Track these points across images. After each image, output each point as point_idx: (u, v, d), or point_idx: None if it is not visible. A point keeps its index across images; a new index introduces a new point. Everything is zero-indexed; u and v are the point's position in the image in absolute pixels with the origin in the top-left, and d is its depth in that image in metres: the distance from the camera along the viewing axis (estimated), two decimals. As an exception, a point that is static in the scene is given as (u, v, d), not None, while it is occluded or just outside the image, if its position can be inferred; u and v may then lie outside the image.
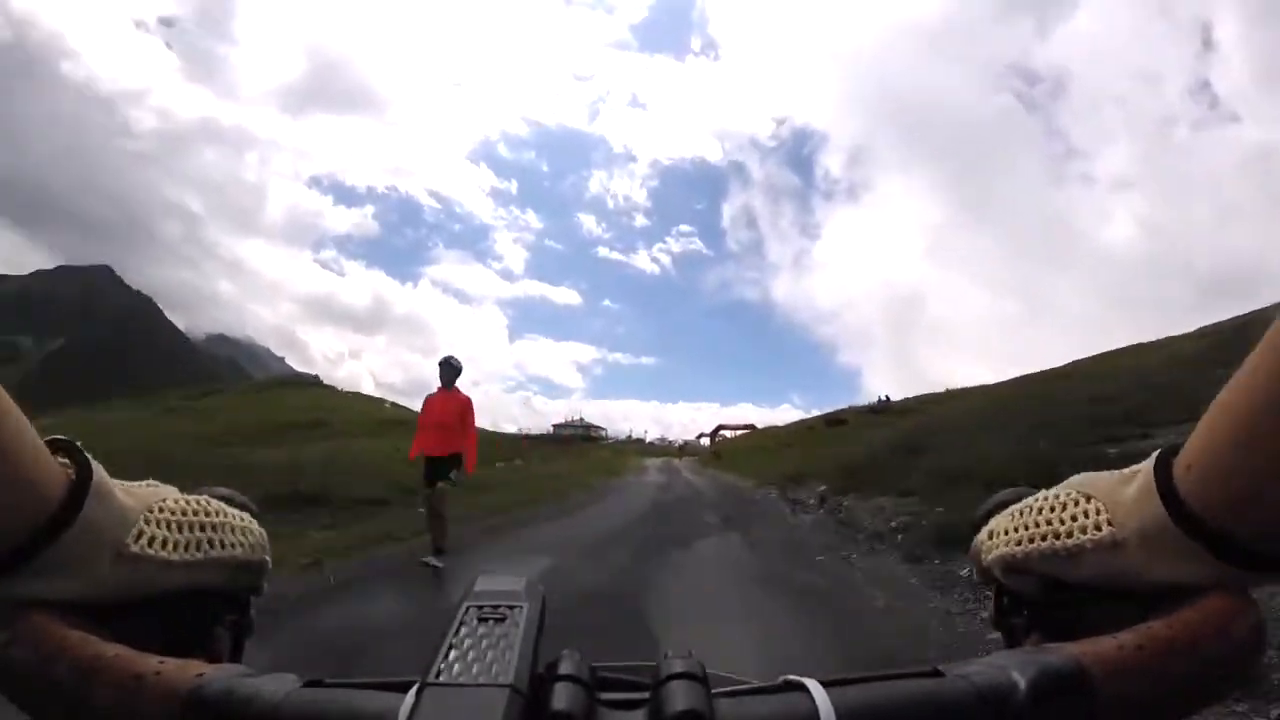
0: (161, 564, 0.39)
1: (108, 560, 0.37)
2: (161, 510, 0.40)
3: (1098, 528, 0.38)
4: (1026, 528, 0.42)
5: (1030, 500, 0.43)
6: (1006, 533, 0.44)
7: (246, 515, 0.46)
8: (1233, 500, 0.33)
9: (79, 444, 0.37)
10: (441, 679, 0.31)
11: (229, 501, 0.46)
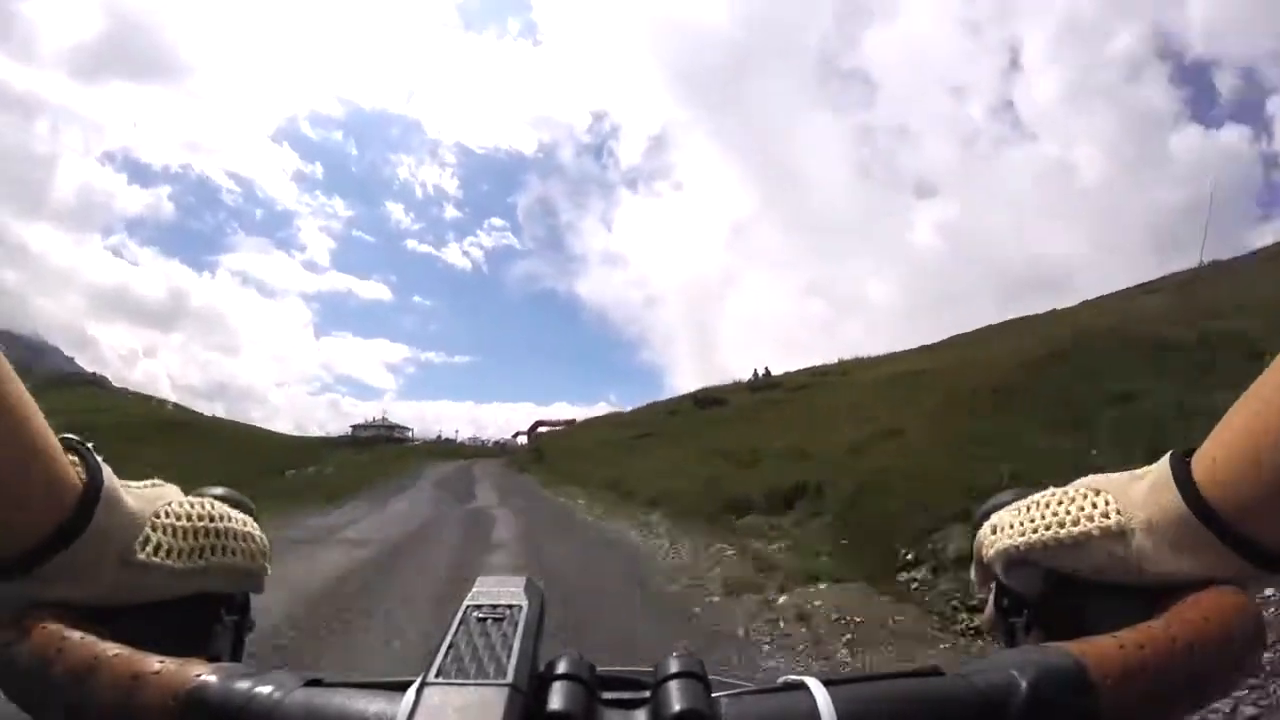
0: (165, 571, 0.39)
1: (113, 566, 0.37)
2: (167, 515, 0.40)
3: (1105, 516, 0.39)
4: (1032, 520, 0.42)
5: (1037, 496, 0.44)
6: (1011, 526, 0.43)
7: (248, 519, 0.46)
8: (1251, 495, 0.34)
9: (90, 445, 0.37)
10: (441, 678, 0.31)
11: (227, 502, 0.46)
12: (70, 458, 0.36)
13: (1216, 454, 0.36)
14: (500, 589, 0.37)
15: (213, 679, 0.34)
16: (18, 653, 0.35)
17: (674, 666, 0.33)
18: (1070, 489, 0.42)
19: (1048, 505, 0.42)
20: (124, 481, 0.39)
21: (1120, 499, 0.39)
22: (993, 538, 0.45)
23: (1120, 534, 0.38)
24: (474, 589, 0.38)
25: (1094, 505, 0.40)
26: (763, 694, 0.33)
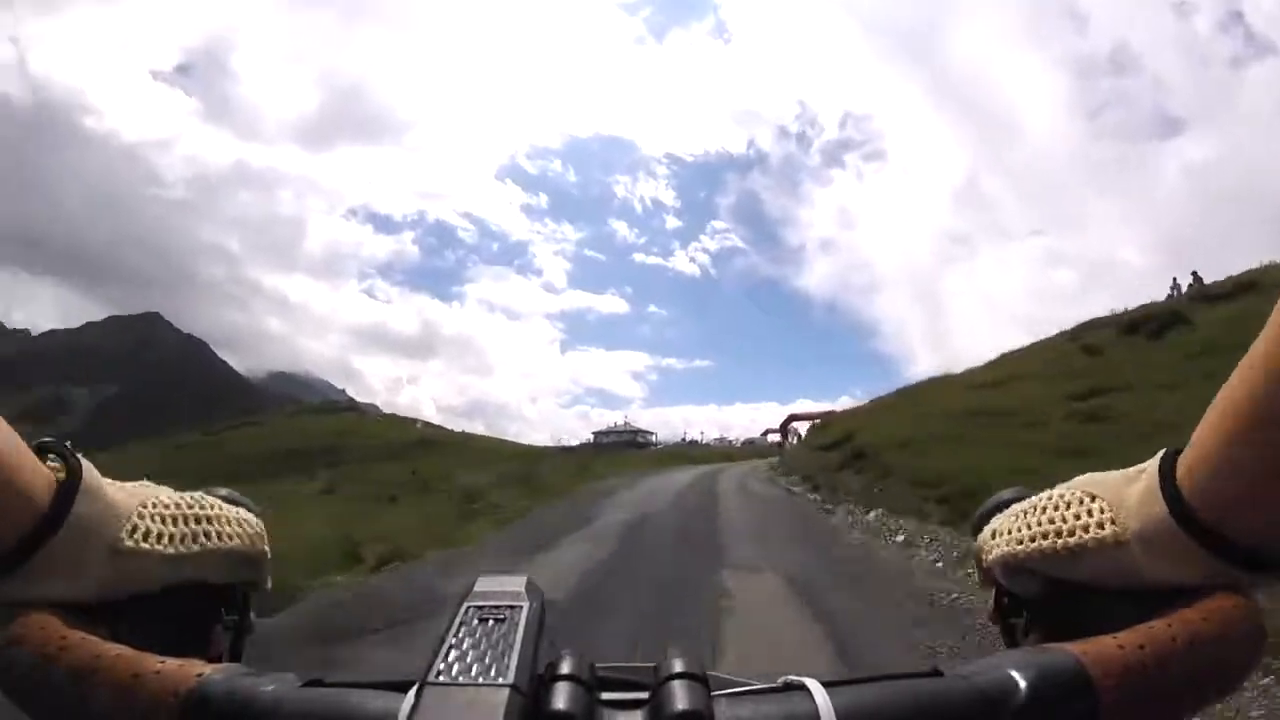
0: (158, 558, 0.39)
1: (103, 557, 0.37)
2: (155, 505, 0.40)
3: (1100, 526, 0.38)
4: (1029, 527, 0.42)
5: (1034, 499, 0.43)
6: (1010, 532, 0.43)
7: (242, 510, 0.46)
8: (1231, 501, 0.33)
9: (67, 444, 0.37)
10: (441, 679, 0.31)
11: (227, 500, 0.46)
12: (50, 460, 0.37)
13: (1194, 458, 0.35)
14: (501, 588, 0.37)
15: (213, 679, 0.34)
16: (17, 653, 0.35)
17: (674, 667, 0.33)
18: (1067, 492, 0.41)
19: (1044, 511, 0.41)
20: (112, 480, 0.39)
21: (1115, 505, 0.38)
22: (992, 542, 0.45)
23: (1115, 544, 0.38)
24: (474, 588, 0.37)
25: (1089, 514, 0.39)
26: (762, 694, 0.33)
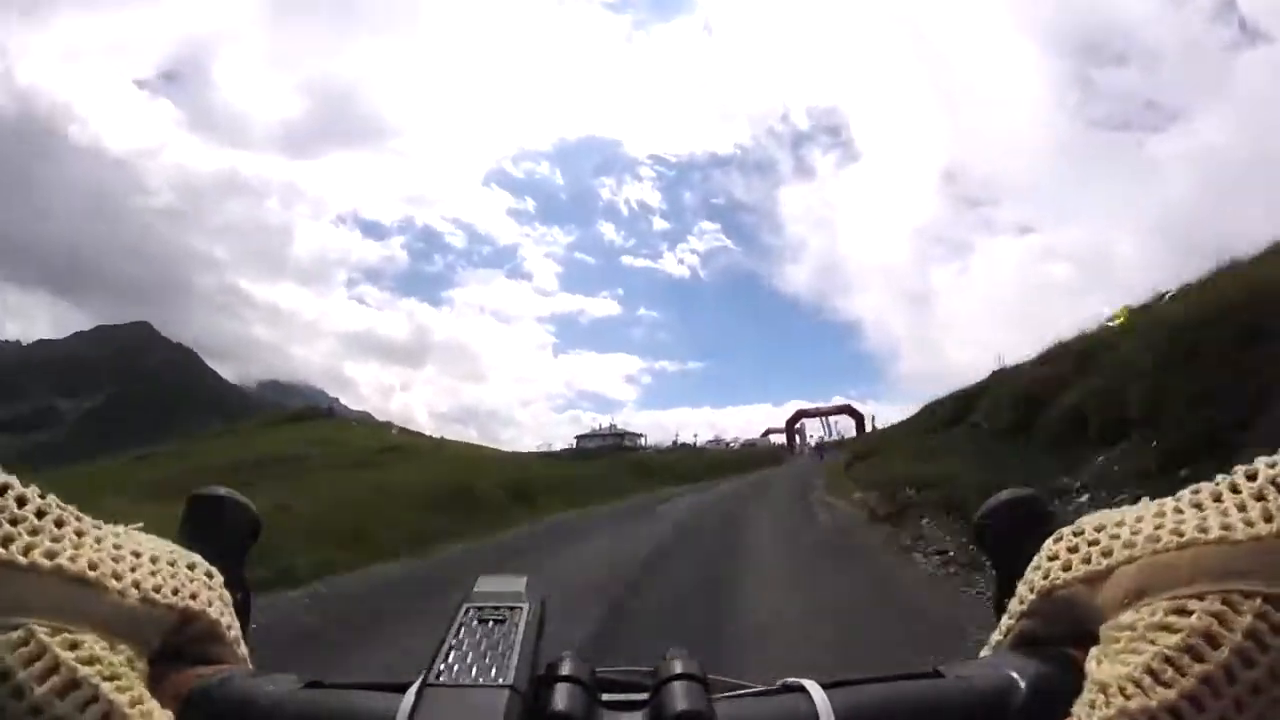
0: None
1: None
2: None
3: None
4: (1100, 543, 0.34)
5: (1110, 515, 0.35)
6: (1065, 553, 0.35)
7: (180, 557, 0.37)
8: None
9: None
10: (441, 679, 0.31)
11: (222, 504, 0.45)
12: None
13: None
14: (501, 589, 0.37)
15: (214, 679, 0.34)
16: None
17: (674, 668, 0.33)
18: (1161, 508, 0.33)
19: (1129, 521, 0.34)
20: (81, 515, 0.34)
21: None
22: (1048, 564, 0.37)
23: None
24: (474, 588, 0.37)
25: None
26: (762, 696, 0.33)
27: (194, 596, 0.35)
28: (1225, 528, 0.30)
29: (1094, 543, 0.34)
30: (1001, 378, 14.76)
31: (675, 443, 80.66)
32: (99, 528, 0.35)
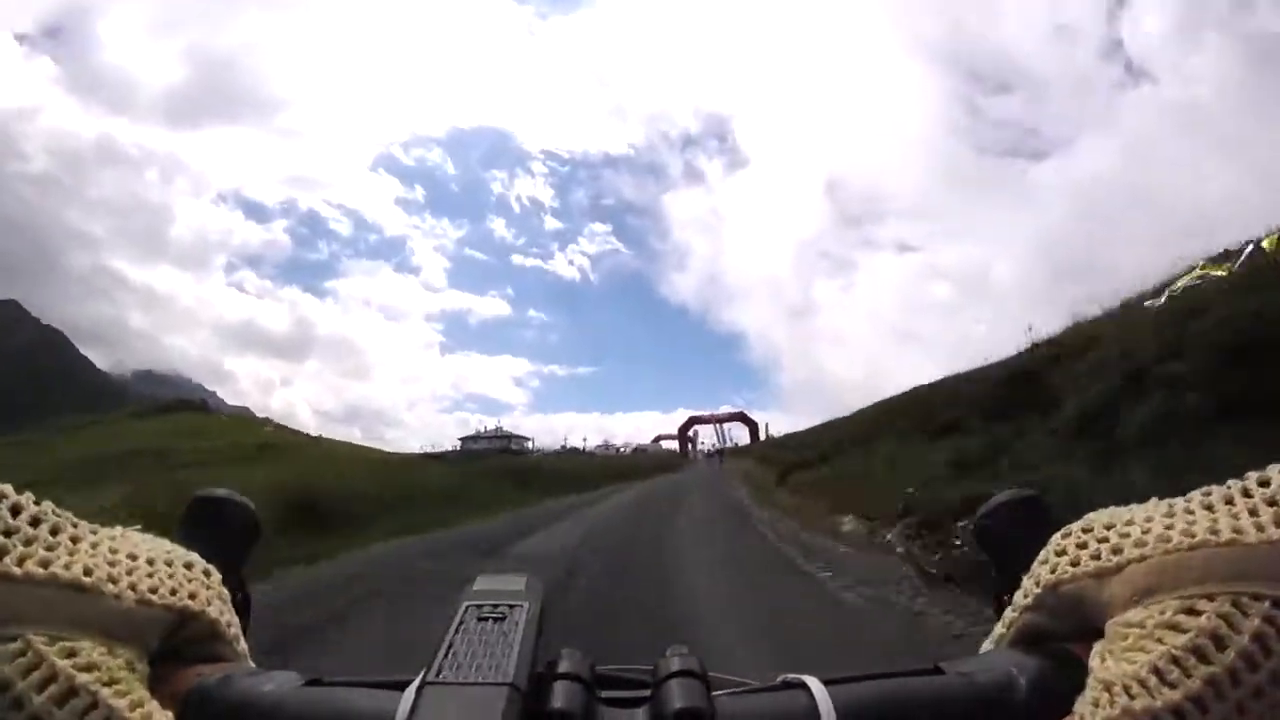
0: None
1: None
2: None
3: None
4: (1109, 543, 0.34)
5: (1114, 514, 0.36)
6: (1074, 548, 0.35)
7: (178, 555, 0.37)
8: None
9: None
10: (441, 677, 0.31)
11: (223, 504, 0.45)
12: None
13: None
14: (501, 586, 0.37)
15: (213, 679, 0.34)
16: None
17: (674, 665, 0.33)
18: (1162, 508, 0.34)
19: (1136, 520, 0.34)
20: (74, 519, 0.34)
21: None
22: (1056, 559, 0.37)
23: None
24: (474, 586, 0.37)
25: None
26: (762, 692, 0.33)
27: (192, 596, 0.36)
28: (1237, 530, 0.29)
29: (1104, 540, 0.34)
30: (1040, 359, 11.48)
31: (564, 447, 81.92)
32: (94, 531, 0.35)
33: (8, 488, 0.33)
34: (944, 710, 0.32)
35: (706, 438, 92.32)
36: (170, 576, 0.35)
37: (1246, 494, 0.31)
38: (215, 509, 0.45)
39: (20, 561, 0.31)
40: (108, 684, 0.30)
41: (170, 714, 0.31)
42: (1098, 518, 0.35)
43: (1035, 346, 13.07)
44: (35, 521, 0.33)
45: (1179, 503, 0.33)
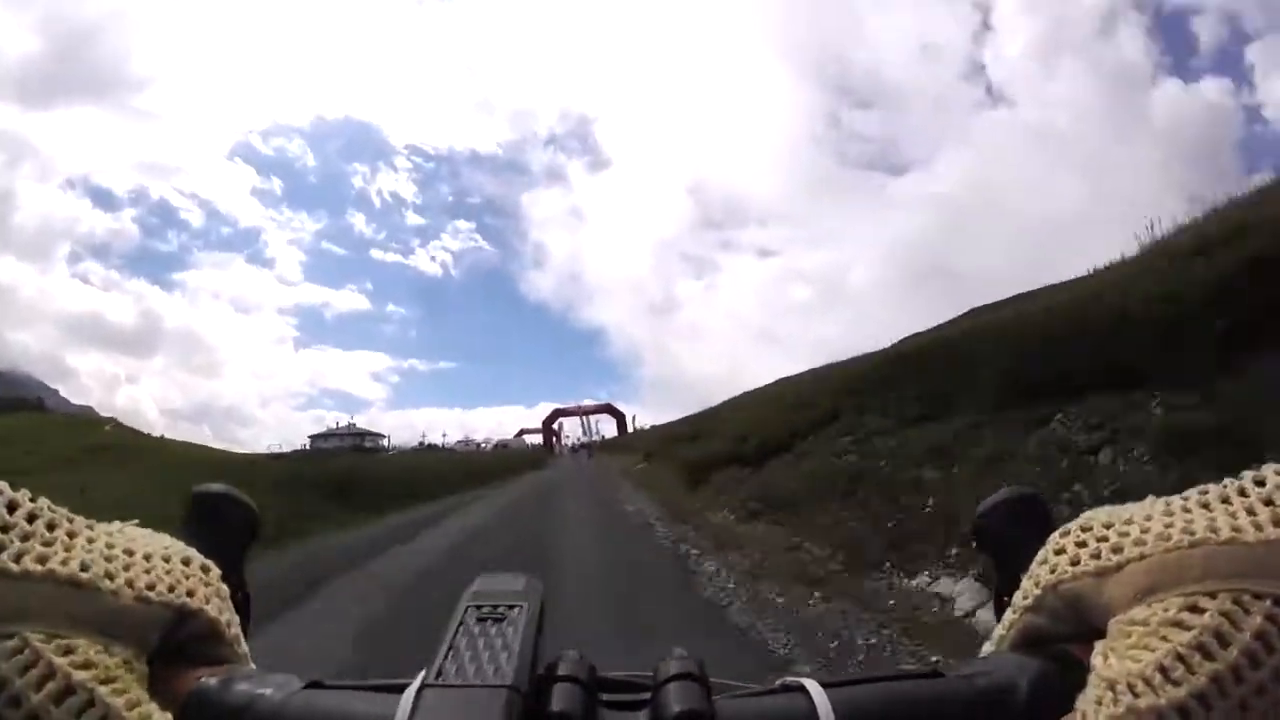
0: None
1: None
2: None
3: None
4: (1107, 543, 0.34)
5: (1113, 513, 0.35)
6: (1073, 548, 0.35)
7: (176, 550, 0.37)
8: None
9: None
10: (441, 680, 0.31)
11: (220, 501, 0.45)
12: None
13: None
14: (501, 587, 0.37)
15: (213, 681, 0.34)
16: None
17: (674, 668, 0.33)
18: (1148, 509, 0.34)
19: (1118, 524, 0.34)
20: (73, 516, 0.35)
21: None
22: (1055, 559, 0.37)
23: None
24: (474, 587, 0.37)
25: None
26: (762, 696, 0.33)
27: (190, 593, 0.35)
28: (1235, 529, 0.30)
29: (1103, 539, 0.34)
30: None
31: (422, 444, 77.39)
32: (91, 527, 0.34)
33: (3, 484, 0.32)
34: (944, 713, 0.32)
35: (572, 431, 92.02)
36: (168, 573, 0.35)
37: (1243, 493, 0.31)
38: (214, 506, 0.45)
39: (17, 558, 0.31)
40: (104, 682, 0.29)
41: (169, 715, 0.31)
42: (1096, 516, 0.35)
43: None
44: (32, 517, 0.32)
45: (1176, 501, 0.33)
